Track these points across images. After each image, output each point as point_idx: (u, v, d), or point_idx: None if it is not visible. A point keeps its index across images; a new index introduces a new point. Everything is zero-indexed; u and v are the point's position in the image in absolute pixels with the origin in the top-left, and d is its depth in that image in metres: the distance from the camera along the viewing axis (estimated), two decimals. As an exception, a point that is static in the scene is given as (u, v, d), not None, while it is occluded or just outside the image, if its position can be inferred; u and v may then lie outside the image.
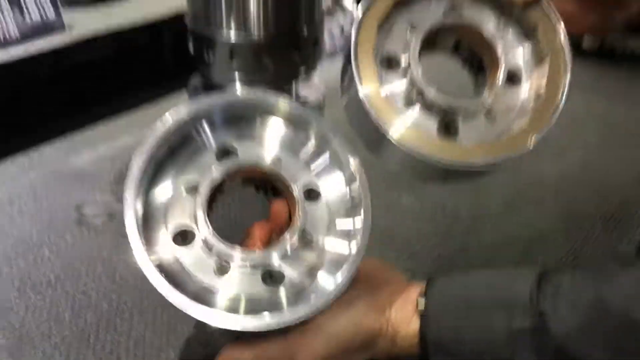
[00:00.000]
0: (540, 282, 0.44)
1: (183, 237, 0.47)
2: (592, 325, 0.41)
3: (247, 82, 0.84)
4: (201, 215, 0.46)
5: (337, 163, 0.51)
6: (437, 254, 0.68)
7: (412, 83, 0.49)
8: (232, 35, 0.81)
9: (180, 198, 0.48)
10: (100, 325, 0.59)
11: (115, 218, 0.73)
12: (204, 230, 0.46)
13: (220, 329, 0.44)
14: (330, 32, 1.18)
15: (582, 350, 0.41)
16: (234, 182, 0.52)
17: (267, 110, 0.53)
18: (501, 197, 0.78)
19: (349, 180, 0.50)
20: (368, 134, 0.50)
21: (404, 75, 0.49)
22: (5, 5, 0.83)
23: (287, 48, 0.84)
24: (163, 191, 0.48)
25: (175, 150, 0.50)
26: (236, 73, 0.83)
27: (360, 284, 0.48)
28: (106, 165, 0.83)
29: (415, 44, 0.49)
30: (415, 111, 0.49)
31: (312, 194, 0.50)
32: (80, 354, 0.56)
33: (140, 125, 0.92)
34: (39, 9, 0.87)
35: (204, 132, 0.51)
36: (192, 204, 0.47)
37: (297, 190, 0.49)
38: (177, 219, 0.47)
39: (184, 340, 0.58)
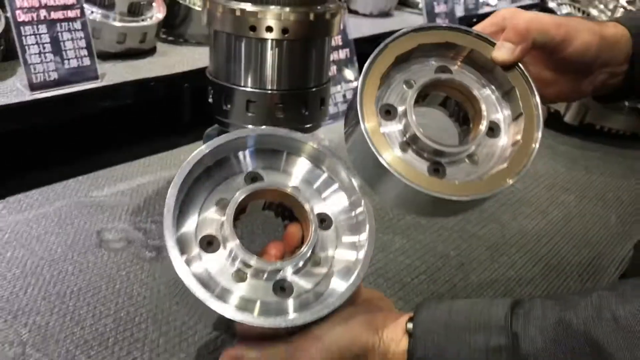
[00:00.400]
0: (514, 308, 0.49)
1: (209, 244, 0.54)
2: (557, 344, 0.46)
3: (260, 131, 0.93)
4: (228, 227, 0.53)
5: (344, 190, 0.59)
6: (426, 287, 0.75)
7: (406, 129, 0.56)
8: (249, 88, 0.91)
9: (210, 212, 0.55)
10: (118, 331, 0.65)
11: (133, 244, 0.79)
12: (231, 241, 0.53)
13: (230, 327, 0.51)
14: (334, 98, 1.28)
15: None
16: (257, 203, 0.59)
17: (294, 147, 0.61)
18: (488, 244, 0.85)
19: (354, 205, 0.58)
20: (368, 170, 0.56)
21: (400, 122, 0.56)
22: (49, 54, 0.93)
23: (297, 104, 0.93)
24: (196, 205, 0.55)
25: (211, 171, 0.57)
26: (250, 123, 0.92)
27: (359, 305, 0.55)
28: (125, 199, 0.90)
29: (411, 97, 0.56)
30: (409, 153, 0.56)
31: (324, 221, 0.58)
32: (100, 354, 0.61)
33: (156, 169, 1.00)
34: (77, 58, 0.96)
35: (240, 158, 0.59)
36: (221, 217, 0.54)
37: (312, 215, 0.56)
38: (207, 229, 0.54)
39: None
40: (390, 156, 0.53)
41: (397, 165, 0.53)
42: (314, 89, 0.94)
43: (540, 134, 0.56)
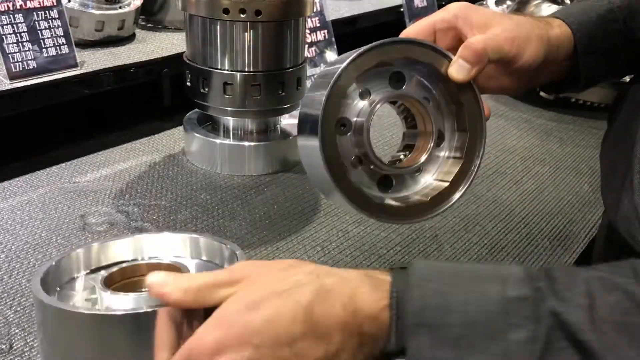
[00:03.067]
0: (529, 269, 0.43)
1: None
2: (593, 299, 0.40)
3: (238, 112, 0.95)
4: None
5: None
6: (400, 257, 0.77)
7: (359, 145, 0.56)
8: (226, 71, 0.92)
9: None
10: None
11: (115, 226, 0.81)
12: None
13: None
14: (313, 80, 1.30)
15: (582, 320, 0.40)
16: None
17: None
18: (462, 215, 0.87)
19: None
20: (319, 183, 0.57)
21: (354, 136, 0.56)
22: (27, 43, 0.94)
23: (274, 85, 0.95)
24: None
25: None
26: (228, 105, 0.94)
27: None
28: (107, 184, 0.92)
29: (368, 115, 0.55)
30: (359, 169, 0.57)
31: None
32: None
33: (138, 154, 1.02)
34: (55, 47, 0.98)
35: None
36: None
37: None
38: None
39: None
40: (342, 175, 0.54)
41: (347, 187, 0.54)
42: (290, 70, 0.96)
43: (483, 151, 0.59)
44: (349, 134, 0.56)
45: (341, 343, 0.42)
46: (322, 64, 1.34)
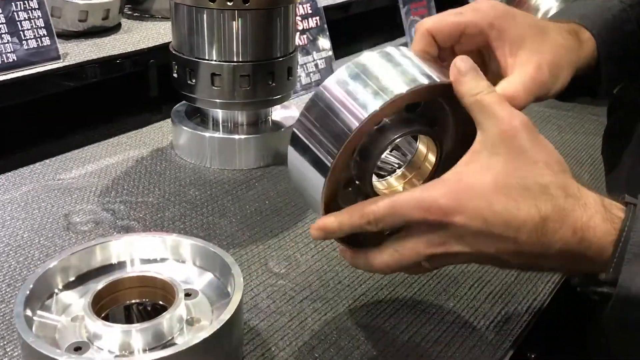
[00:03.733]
0: None
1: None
2: None
3: (227, 104, 0.92)
4: None
5: None
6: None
7: (359, 175, 0.54)
8: (213, 61, 0.89)
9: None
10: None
11: (101, 225, 0.78)
12: None
13: None
14: (306, 68, 1.26)
15: None
16: None
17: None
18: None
19: None
20: (308, 200, 0.56)
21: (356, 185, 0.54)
22: (5, 35, 0.91)
23: (264, 75, 0.92)
24: None
25: None
26: (216, 97, 0.91)
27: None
28: (93, 180, 0.89)
29: (368, 182, 0.53)
30: (349, 190, 0.55)
31: None
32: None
33: (125, 148, 0.98)
34: (35, 39, 0.94)
35: None
36: None
37: None
38: None
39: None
40: (333, 198, 0.53)
41: (335, 208, 0.53)
42: (280, 59, 0.93)
43: None
44: (351, 186, 0.55)
45: (559, 263, 0.47)
46: (314, 52, 1.31)
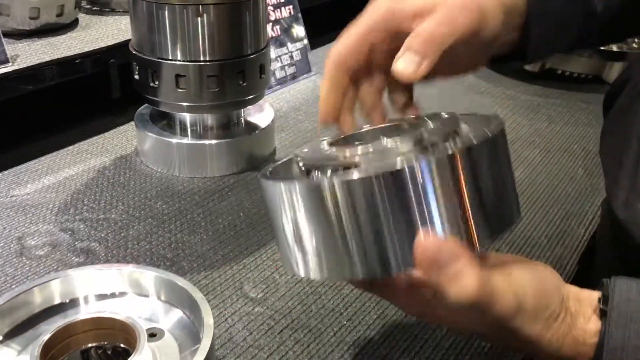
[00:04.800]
0: None
1: None
2: None
3: (194, 108, 0.85)
4: None
5: None
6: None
7: None
8: (177, 61, 0.82)
9: None
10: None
11: (58, 248, 0.71)
12: None
13: None
14: (280, 60, 1.19)
15: None
16: None
17: None
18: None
19: None
20: None
21: None
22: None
23: (233, 74, 0.84)
24: None
25: None
26: (182, 99, 0.83)
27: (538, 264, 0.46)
28: (50, 196, 0.81)
29: None
30: None
31: None
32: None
33: (86, 157, 0.91)
34: (-21, 41, 0.86)
35: None
36: None
37: None
38: None
39: None
40: None
41: None
42: (251, 56, 0.85)
43: None
44: None
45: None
46: (288, 42, 1.23)
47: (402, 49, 0.46)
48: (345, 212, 0.37)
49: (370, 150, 0.40)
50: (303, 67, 1.23)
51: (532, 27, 0.55)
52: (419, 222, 0.37)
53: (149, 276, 0.54)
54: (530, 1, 0.54)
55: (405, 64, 0.45)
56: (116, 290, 0.54)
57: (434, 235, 0.38)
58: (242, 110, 0.92)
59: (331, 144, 0.47)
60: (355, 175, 0.37)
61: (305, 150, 0.46)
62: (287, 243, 0.42)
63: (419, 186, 0.36)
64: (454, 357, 0.57)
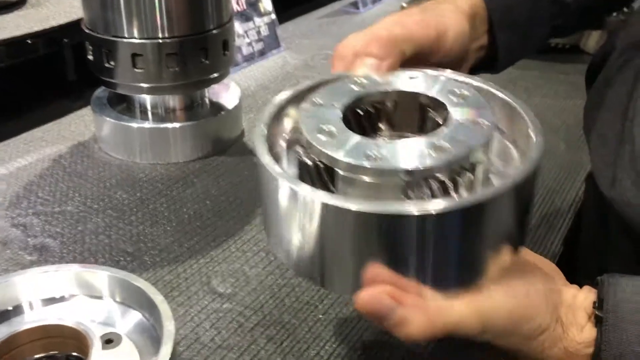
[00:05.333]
0: None
1: None
2: None
3: (154, 89, 0.79)
4: None
5: None
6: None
7: None
8: (134, 39, 0.76)
9: None
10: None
11: (8, 246, 0.65)
12: None
13: None
14: (247, 36, 1.13)
15: None
16: None
17: None
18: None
19: None
20: None
21: None
22: None
23: (195, 52, 0.79)
24: None
25: None
26: (141, 80, 0.78)
27: (528, 269, 0.42)
28: (1, 188, 0.75)
29: None
30: None
31: None
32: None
33: (40, 145, 0.85)
34: None
35: None
36: None
37: None
38: None
39: None
40: None
41: None
42: (213, 32, 0.79)
43: None
44: None
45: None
46: (255, 17, 1.17)
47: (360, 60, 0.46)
48: (316, 226, 0.37)
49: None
50: (271, 43, 1.18)
51: (498, 37, 0.55)
52: (369, 261, 0.37)
53: (101, 276, 0.49)
54: (490, 9, 0.54)
55: (363, 69, 0.45)
56: (65, 293, 0.50)
57: (375, 287, 0.37)
58: (206, 90, 0.87)
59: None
60: (338, 202, 0.35)
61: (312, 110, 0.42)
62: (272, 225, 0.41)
63: (389, 235, 0.36)
64: (432, 346, 0.54)
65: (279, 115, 0.44)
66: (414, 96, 0.44)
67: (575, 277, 0.47)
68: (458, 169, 0.37)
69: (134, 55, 0.76)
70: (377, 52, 0.45)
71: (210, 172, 0.79)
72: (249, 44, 1.14)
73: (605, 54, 0.65)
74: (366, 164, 0.36)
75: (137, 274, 0.60)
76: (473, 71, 0.58)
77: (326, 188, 0.39)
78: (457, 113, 0.40)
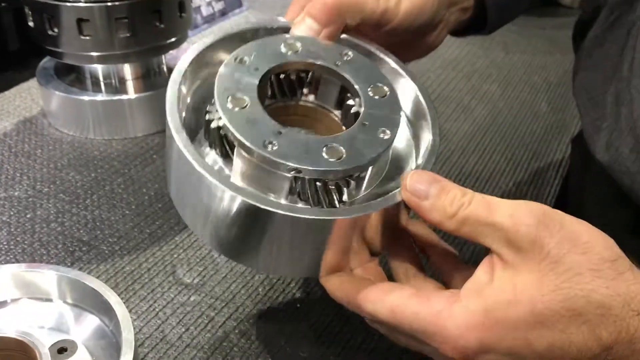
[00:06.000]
0: None
1: None
2: None
3: (104, 58, 0.72)
4: None
5: None
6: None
7: None
8: (79, 2, 0.68)
9: None
10: None
11: (-50, 238, 0.59)
12: None
13: None
14: (206, -4, 1.05)
15: None
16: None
17: None
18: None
19: None
20: None
21: None
22: None
23: (147, 15, 0.72)
24: None
25: None
26: (89, 49, 0.70)
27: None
28: (-61, 173, 0.68)
29: None
30: None
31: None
32: None
33: (-16, 121, 0.77)
34: None
35: None
36: None
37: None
38: None
39: None
40: None
41: None
42: (167, -8, 0.72)
43: None
44: None
45: None
46: (215, -25, 1.09)
47: (299, 17, 0.44)
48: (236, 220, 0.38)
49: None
50: (233, 2, 1.10)
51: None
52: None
53: (48, 276, 0.44)
54: None
55: (303, 31, 0.43)
56: (7, 297, 0.44)
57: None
58: (163, 56, 0.80)
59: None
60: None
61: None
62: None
63: (254, 222, 0.37)
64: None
65: (200, 60, 0.42)
66: (337, 77, 0.42)
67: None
68: (345, 177, 0.38)
69: (79, 21, 0.69)
70: (320, 17, 0.43)
71: (171, 147, 0.73)
72: (209, 3, 1.07)
73: (593, 11, 0.61)
74: (261, 150, 0.36)
75: (95, 266, 0.56)
76: (459, 34, 0.53)
77: (224, 150, 0.39)
78: (369, 110, 0.40)
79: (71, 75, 0.77)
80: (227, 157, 0.40)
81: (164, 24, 0.72)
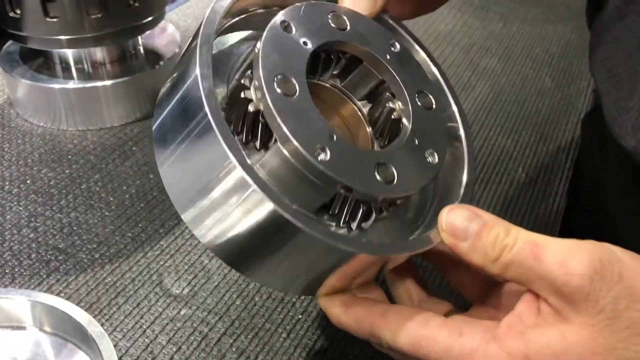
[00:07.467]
0: None
1: None
2: None
3: (74, 42, 0.66)
4: None
5: None
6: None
7: None
8: (42, -21, 0.61)
9: None
10: None
11: None
12: None
13: None
14: (183, -33, 0.98)
15: None
16: None
17: None
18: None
19: None
20: None
21: None
22: None
23: (121, -9, 0.65)
24: None
25: None
26: (57, 32, 0.64)
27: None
28: None
29: None
30: None
31: None
32: None
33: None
34: None
35: None
36: None
37: None
38: None
39: None
40: None
41: None
42: (141, -34, 0.66)
43: None
44: None
45: None
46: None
47: None
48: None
49: None
50: (212, -26, 1.03)
51: None
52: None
53: (20, 302, 0.39)
54: None
55: (355, 3, 0.38)
56: None
57: None
58: (139, 37, 0.73)
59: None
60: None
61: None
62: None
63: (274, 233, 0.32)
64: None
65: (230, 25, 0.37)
66: (388, 76, 0.37)
67: (574, 232, 0.39)
68: (389, 202, 0.35)
69: (44, 1, 0.62)
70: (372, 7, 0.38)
71: (151, 137, 0.67)
72: (186, -25, 0.99)
73: None
74: (313, 159, 0.31)
75: (73, 277, 0.51)
76: None
77: (254, 135, 0.33)
78: (418, 125, 0.35)
79: (38, 60, 0.71)
80: (250, 141, 0.34)
81: (138, 2, 0.66)
